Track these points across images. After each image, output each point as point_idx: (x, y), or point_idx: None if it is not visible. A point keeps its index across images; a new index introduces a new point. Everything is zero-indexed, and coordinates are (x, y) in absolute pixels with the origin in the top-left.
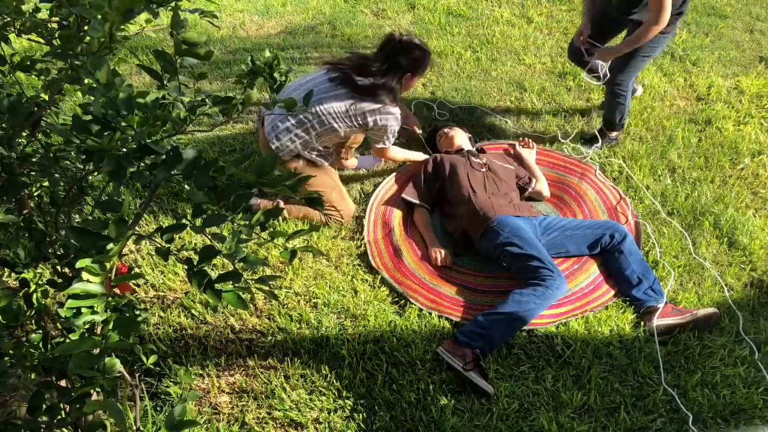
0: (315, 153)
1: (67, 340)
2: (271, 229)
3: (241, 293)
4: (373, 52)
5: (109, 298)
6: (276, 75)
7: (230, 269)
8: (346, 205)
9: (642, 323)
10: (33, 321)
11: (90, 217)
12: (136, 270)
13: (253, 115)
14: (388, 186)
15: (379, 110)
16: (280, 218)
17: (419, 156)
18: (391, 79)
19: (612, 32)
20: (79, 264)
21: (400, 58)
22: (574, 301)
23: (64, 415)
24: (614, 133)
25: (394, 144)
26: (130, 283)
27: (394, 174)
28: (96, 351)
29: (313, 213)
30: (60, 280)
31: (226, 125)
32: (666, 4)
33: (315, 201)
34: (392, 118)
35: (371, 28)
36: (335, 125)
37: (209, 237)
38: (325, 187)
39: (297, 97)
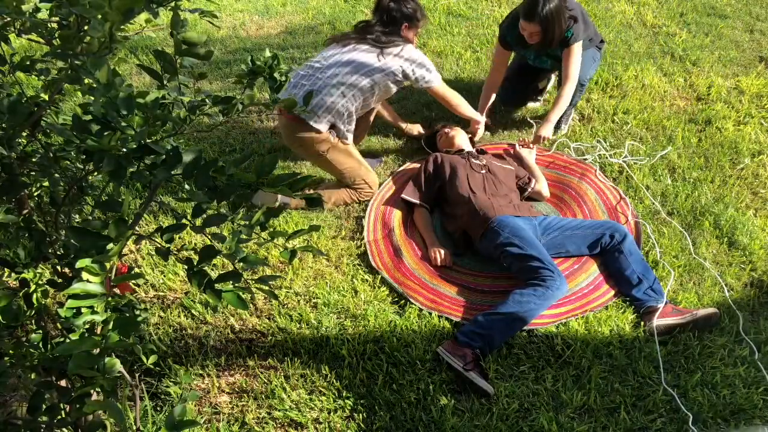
0: (348, 125)
1: (67, 340)
2: (271, 229)
3: (241, 293)
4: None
5: (109, 298)
6: (276, 75)
7: (230, 269)
8: (372, 177)
9: (642, 323)
10: (33, 321)
11: (90, 217)
12: (136, 270)
13: (254, 115)
14: (387, 186)
15: (402, 53)
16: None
17: (478, 116)
18: (394, 29)
19: (535, 77)
20: (79, 264)
21: (394, 12)
22: (574, 301)
23: (64, 415)
24: (570, 112)
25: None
26: (130, 283)
27: (394, 174)
28: (96, 351)
29: (343, 194)
30: (60, 280)
31: (226, 125)
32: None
33: (315, 201)
34: (416, 56)
35: None
36: (371, 80)
37: (209, 237)
38: (353, 164)
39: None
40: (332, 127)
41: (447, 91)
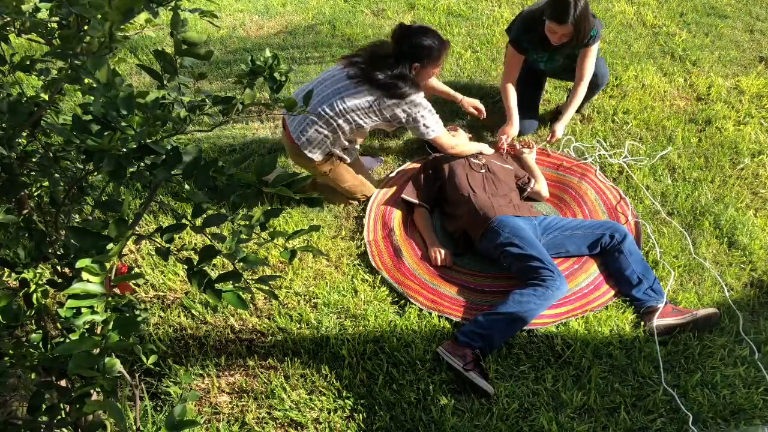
0: (342, 149)
1: (67, 340)
2: (271, 229)
3: (241, 293)
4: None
5: (109, 298)
6: (276, 75)
7: (230, 269)
8: (371, 192)
9: (642, 323)
10: (33, 321)
11: (90, 217)
12: (136, 270)
13: (254, 115)
14: (388, 186)
15: (401, 104)
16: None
17: (483, 147)
18: (404, 69)
19: (543, 81)
20: (79, 264)
21: (406, 48)
22: (574, 301)
23: (64, 415)
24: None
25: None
26: (130, 283)
27: (394, 174)
28: (96, 351)
29: (339, 199)
30: (60, 280)
31: (226, 125)
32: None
33: (315, 201)
34: (419, 105)
35: (371, 28)
36: (361, 122)
37: (209, 237)
38: (355, 182)
39: (315, 95)
40: (329, 154)
41: (448, 141)
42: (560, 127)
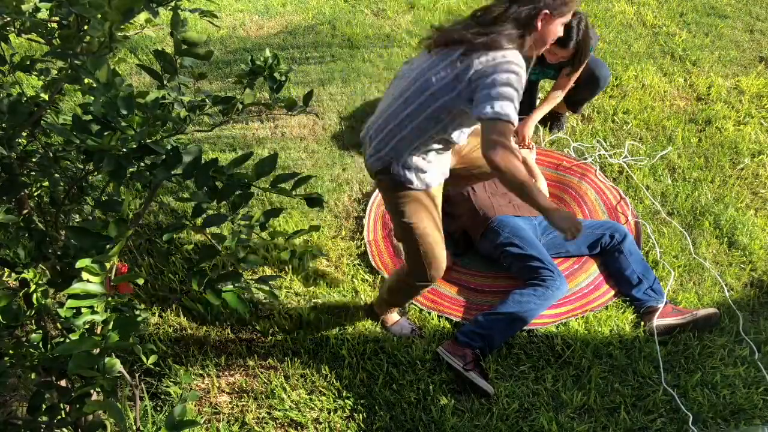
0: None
1: (67, 340)
2: (271, 229)
3: (241, 293)
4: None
5: (109, 298)
6: (276, 75)
7: (230, 269)
8: (442, 262)
9: (642, 323)
10: (33, 321)
11: (90, 217)
12: (136, 270)
13: (254, 115)
14: None
15: (490, 56)
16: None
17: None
18: (515, 20)
19: (534, 87)
20: (79, 264)
21: None
22: (574, 301)
23: (64, 415)
24: (568, 113)
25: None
26: (130, 283)
27: None
28: (96, 351)
29: (403, 322)
30: (60, 280)
31: (226, 125)
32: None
33: (314, 201)
34: (507, 62)
35: (371, 28)
36: (443, 102)
37: (209, 237)
38: (433, 233)
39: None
40: (406, 167)
41: (507, 143)
42: (530, 127)
